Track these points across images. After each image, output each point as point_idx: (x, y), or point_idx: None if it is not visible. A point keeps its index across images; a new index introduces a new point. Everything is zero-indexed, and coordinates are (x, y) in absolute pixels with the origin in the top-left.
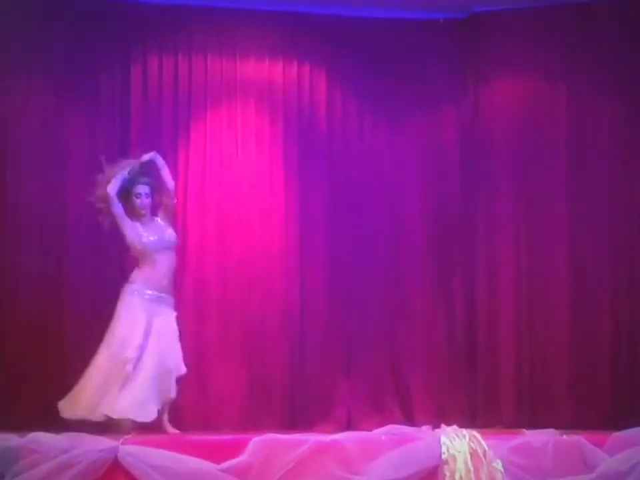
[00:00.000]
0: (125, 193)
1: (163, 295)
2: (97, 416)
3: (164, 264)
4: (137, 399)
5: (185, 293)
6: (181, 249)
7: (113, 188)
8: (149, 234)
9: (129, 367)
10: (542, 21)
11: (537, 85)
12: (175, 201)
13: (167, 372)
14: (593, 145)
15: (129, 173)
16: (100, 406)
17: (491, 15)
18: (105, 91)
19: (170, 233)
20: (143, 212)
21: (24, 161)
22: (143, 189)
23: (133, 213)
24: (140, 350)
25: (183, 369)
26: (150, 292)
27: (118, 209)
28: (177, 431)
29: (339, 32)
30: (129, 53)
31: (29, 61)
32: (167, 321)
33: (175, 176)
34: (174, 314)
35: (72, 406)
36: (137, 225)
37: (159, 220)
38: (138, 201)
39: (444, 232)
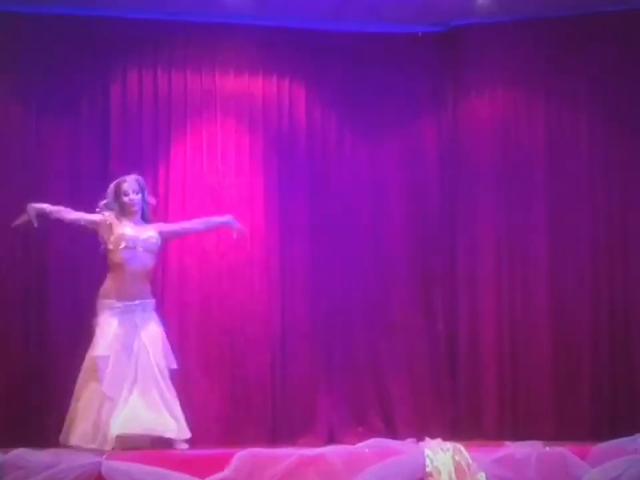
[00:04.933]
0: (115, 195)
1: (134, 302)
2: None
3: (132, 270)
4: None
5: (166, 308)
6: (161, 266)
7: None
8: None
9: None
10: (520, 34)
11: (516, 97)
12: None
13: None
14: (572, 155)
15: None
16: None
17: (469, 28)
18: (85, 106)
19: (150, 235)
20: (133, 209)
21: (2, 178)
22: (130, 185)
23: (123, 213)
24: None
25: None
26: (119, 304)
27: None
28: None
29: (318, 46)
30: (108, 68)
31: (7, 78)
32: (149, 331)
33: (154, 192)
34: (154, 320)
35: (71, 434)
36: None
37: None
38: (126, 198)
39: (425, 244)
